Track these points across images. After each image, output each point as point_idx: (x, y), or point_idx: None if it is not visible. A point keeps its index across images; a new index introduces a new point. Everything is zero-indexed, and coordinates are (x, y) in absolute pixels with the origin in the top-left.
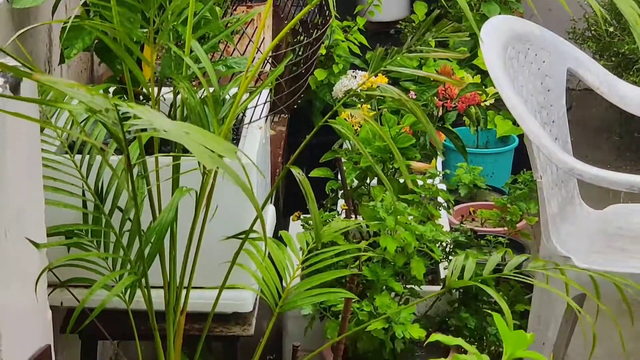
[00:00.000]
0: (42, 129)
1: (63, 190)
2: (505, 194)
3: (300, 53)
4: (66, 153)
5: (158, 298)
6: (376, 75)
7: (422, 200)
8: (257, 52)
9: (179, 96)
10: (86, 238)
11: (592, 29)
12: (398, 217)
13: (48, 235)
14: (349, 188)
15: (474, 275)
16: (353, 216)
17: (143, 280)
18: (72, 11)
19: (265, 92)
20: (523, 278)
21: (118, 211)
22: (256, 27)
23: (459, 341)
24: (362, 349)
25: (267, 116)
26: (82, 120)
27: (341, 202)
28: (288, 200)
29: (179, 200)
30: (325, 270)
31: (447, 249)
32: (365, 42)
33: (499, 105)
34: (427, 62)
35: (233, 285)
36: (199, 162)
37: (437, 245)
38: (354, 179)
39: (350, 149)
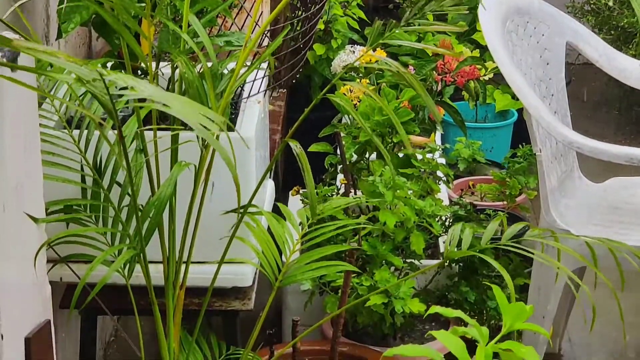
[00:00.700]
0: (40, 104)
1: (61, 165)
2: (504, 169)
3: (298, 28)
4: (64, 128)
5: (157, 273)
6: (374, 50)
7: (421, 175)
8: (255, 27)
9: (177, 71)
10: (85, 213)
11: (592, 2)
12: (397, 191)
13: (46, 210)
14: (348, 162)
15: (472, 246)
16: (352, 191)
17: (142, 255)
18: None
19: (263, 67)
20: (522, 248)
21: (117, 186)
22: (254, 1)
23: (459, 313)
24: (362, 323)
25: (265, 91)
26: (81, 95)
27: (340, 176)
28: (287, 176)
29: (178, 174)
30: (324, 244)
31: (447, 224)
32: (364, 16)
33: (498, 79)
34: (426, 37)
35: (232, 259)
36: (197, 136)
37: (437, 219)
38: (353, 153)
39: (349, 123)
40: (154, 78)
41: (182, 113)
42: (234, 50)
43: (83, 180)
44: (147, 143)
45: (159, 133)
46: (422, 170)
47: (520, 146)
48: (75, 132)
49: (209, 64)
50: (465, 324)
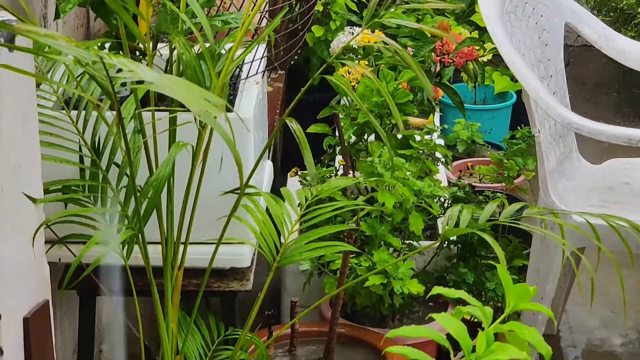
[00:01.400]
0: (38, 85)
1: (60, 145)
2: (503, 150)
3: (297, 9)
4: (62, 109)
5: (155, 254)
6: (373, 31)
7: (420, 156)
8: (252, 7)
9: (174, 52)
10: (83, 193)
11: None
12: (396, 172)
13: (45, 190)
14: (346, 144)
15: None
16: (351, 172)
17: (140, 235)
18: None
19: (261, 47)
20: (520, 224)
21: (115, 167)
22: None
23: (462, 294)
24: (361, 304)
25: (264, 71)
26: (78, 76)
27: (339, 158)
28: (286, 158)
29: (176, 155)
30: (323, 225)
31: (446, 205)
32: None
33: (496, 61)
34: (425, 19)
35: (231, 239)
36: (194, 116)
37: (435, 200)
38: (351, 134)
39: (347, 105)
40: (151, 58)
41: (183, 97)
42: (233, 29)
43: (81, 160)
44: (145, 124)
45: (157, 114)
46: (421, 151)
47: (519, 128)
48: (74, 112)
49: (207, 45)
50: (464, 306)
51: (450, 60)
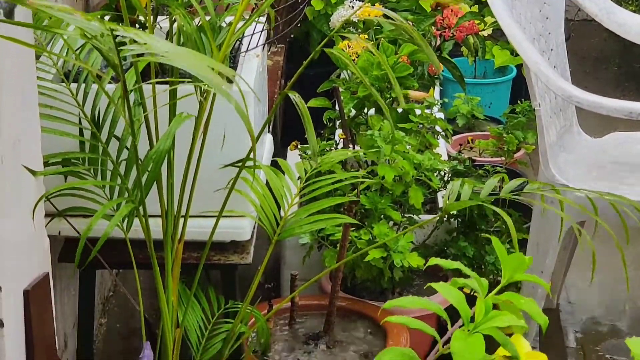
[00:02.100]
0: (37, 57)
1: (59, 118)
2: (503, 124)
3: None
4: (62, 81)
5: (156, 227)
6: (373, 5)
7: (420, 129)
8: None
9: (175, 24)
10: (83, 166)
11: None
12: (396, 145)
13: (45, 163)
14: (346, 118)
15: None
16: (351, 146)
17: (141, 208)
18: None
19: (262, 21)
20: (521, 199)
21: (115, 140)
22: None
23: (458, 265)
24: (361, 278)
25: (264, 44)
26: (78, 48)
27: (339, 131)
28: (286, 132)
29: (177, 127)
30: (323, 198)
31: (446, 178)
32: None
33: (497, 35)
34: None
35: (231, 213)
36: (195, 89)
37: (435, 174)
38: (351, 108)
39: (347, 78)
40: (151, 31)
41: (194, 67)
42: (233, 3)
43: (81, 133)
44: (145, 98)
45: (157, 87)
46: (421, 124)
47: (519, 102)
48: (73, 85)
49: (207, 18)
50: (465, 278)
51: (451, 34)
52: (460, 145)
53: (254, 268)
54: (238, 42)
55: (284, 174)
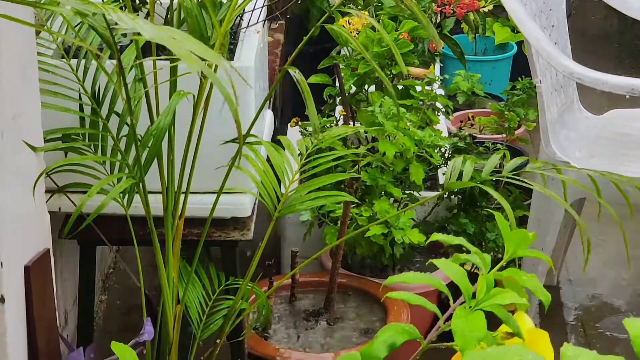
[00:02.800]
0: (37, 33)
1: (59, 94)
2: (503, 101)
3: None
4: (62, 57)
5: (156, 203)
6: None
7: (420, 106)
8: None
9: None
10: (83, 142)
11: None
12: (397, 122)
13: (45, 139)
14: (346, 94)
15: (473, 178)
16: (351, 122)
17: (141, 184)
18: None
19: None
20: (522, 180)
21: (115, 116)
22: None
23: (460, 240)
24: (361, 254)
25: (264, 20)
26: (77, 25)
27: (339, 108)
28: (286, 110)
29: (177, 103)
30: (323, 175)
31: (446, 155)
32: None
33: (497, 12)
34: None
35: (231, 189)
36: None
37: (436, 150)
38: (351, 85)
39: (348, 55)
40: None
41: (181, 52)
42: None
43: (81, 109)
44: (146, 74)
45: (158, 63)
46: (421, 101)
47: (519, 79)
48: (73, 61)
49: None
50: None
51: (451, 11)
52: (461, 122)
53: (255, 245)
54: (239, 18)
55: (284, 150)
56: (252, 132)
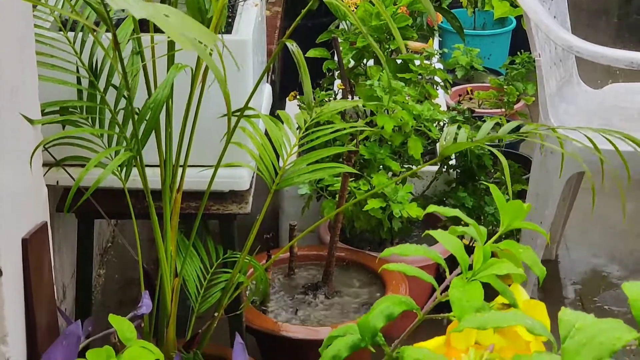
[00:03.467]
0: (34, 5)
1: (57, 66)
2: (502, 76)
3: None
4: (60, 30)
5: (154, 177)
6: None
7: (419, 80)
8: None
9: None
10: (81, 115)
11: None
12: (395, 96)
13: (42, 112)
14: (345, 68)
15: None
16: (349, 96)
17: (139, 157)
18: None
19: None
20: (519, 136)
21: (113, 89)
22: None
23: (457, 212)
24: (360, 228)
25: None
26: None
27: (338, 82)
28: (284, 84)
29: (174, 76)
30: (322, 148)
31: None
32: None
33: None
34: None
35: (230, 163)
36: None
37: (435, 124)
38: (350, 59)
39: (346, 29)
40: None
41: (172, 31)
42: None
43: (79, 82)
44: (145, 48)
45: (155, 37)
46: (420, 75)
47: (518, 53)
48: (71, 34)
49: None
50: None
51: None
52: (460, 96)
53: (253, 219)
54: None
55: (283, 124)
56: (250, 105)
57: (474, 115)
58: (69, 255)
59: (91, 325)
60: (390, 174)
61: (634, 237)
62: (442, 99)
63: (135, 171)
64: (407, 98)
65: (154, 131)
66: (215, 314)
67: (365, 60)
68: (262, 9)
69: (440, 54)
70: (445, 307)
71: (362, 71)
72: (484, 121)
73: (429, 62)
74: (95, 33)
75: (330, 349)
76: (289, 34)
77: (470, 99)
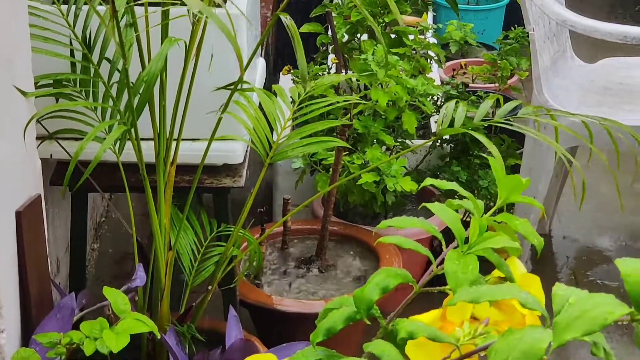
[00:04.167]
0: None
1: (50, 39)
2: (496, 51)
3: None
4: (53, 3)
5: (148, 150)
6: None
7: (413, 54)
8: None
9: None
10: (74, 88)
11: None
12: (389, 70)
13: (36, 85)
14: (339, 43)
15: (465, 125)
16: (343, 71)
17: (133, 131)
18: None
19: None
20: (514, 125)
21: (107, 62)
22: None
23: (453, 185)
24: (353, 202)
25: None
26: None
27: (331, 56)
28: (278, 59)
29: (168, 49)
30: (316, 122)
31: (439, 103)
32: None
33: None
34: None
35: (223, 136)
36: (188, 11)
37: (429, 99)
38: (344, 33)
39: (340, 3)
40: None
41: None
42: None
43: (72, 55)
44: (138, 18)
45: (150, 8)
46: (414, 49)
47: (512, 28)
48: (64, 6)
49: None
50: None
51: None
52: (454, 70)
53: (247, 193)
54: None
55: (277, 97)
56: (244, 79)
57: (467, 89)
58: (63, 229)
59: (85, 298)
60: (384, 148)
61: (627, 211)
62: (436, 73)
63: (129, 145)
64: (401, 72)
65: (147, 104)
66: (209, 288)
67: (359, 35)
68: None
69: (434, 28)
70: (441, 281)
71: (356, 45)
72: (478, 96)
73: (423, 37)
74: (90, 1)
75: (326, 321)
76: (282, 7)
77: (464, 73)
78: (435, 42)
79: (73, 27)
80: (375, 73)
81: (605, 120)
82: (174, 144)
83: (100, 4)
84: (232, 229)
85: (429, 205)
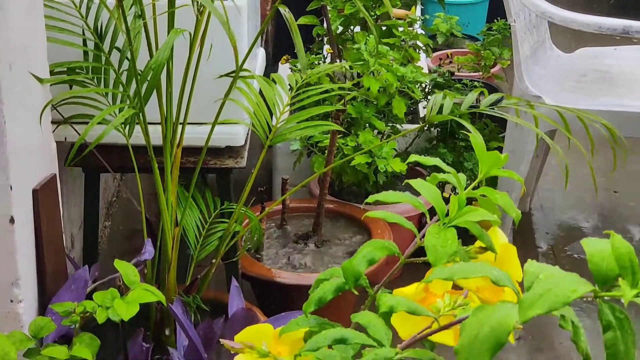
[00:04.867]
0: None
1: (64, 29)
2: (480, 42)
3: None
4: None
5: (156, 133)
6: None
7: (402, 45)
8: None
9: None
10: (87, 75)
11: None
12: (380, 59)
13: (51, 72)
14: (333, 34)
15: (452, 112)
16: (337, 60)
17: (141, 115)
18: None
19: None
20: (497, 113)
21: (117, 51)
22: None
23: (437, 161)
24: (347, 182)
25: None
26: None
27: (327, 47)
28: (277, 50)
29: (174, 39)
30: (312, 107)
31: (426, 90)
32: None
33: None
34: None
35: (226, 120)
36: (192, 3)
37: (417, 86)
38: (338, 25)
39: None
40: None
41: None
42: None
43: (85, 44)
44: (145, 7)
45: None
46: (403, 40)
47: (495, 21)
48: None
49: None
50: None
51: None
52: (440, 59)
53: (248, 173)
54: None
55: (276, 84)
56: (245, 67)
57: (453, 77)
58: (77, 209)
59: (97, 271)
60: (375, 131)
61: (603, 190)
62: (424, 63)
63: (138, 128)
64: (391, 61)
65: (155, 90)
66: (213, 261)
67: (352, 27)
68: None
69: (422, 20)
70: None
71: (350, 36)
72: (464, 84)
73: (411, 29)
74: None
75: (317, 291)
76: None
77: (450, 62)
78: (423, 33)
79: (85, 18)
80: (367, 62)
81: (578, 110)
82: (180, 127)
83: None
84: (235, 207)
85: (411, 181)
